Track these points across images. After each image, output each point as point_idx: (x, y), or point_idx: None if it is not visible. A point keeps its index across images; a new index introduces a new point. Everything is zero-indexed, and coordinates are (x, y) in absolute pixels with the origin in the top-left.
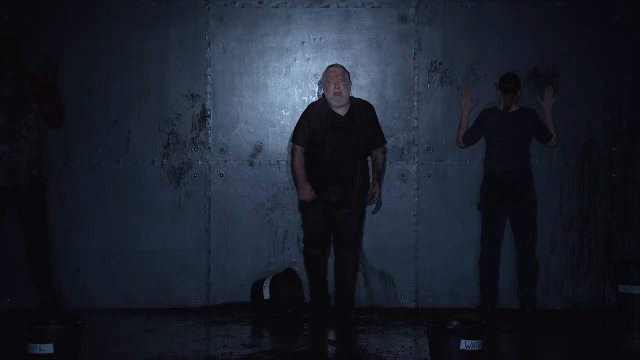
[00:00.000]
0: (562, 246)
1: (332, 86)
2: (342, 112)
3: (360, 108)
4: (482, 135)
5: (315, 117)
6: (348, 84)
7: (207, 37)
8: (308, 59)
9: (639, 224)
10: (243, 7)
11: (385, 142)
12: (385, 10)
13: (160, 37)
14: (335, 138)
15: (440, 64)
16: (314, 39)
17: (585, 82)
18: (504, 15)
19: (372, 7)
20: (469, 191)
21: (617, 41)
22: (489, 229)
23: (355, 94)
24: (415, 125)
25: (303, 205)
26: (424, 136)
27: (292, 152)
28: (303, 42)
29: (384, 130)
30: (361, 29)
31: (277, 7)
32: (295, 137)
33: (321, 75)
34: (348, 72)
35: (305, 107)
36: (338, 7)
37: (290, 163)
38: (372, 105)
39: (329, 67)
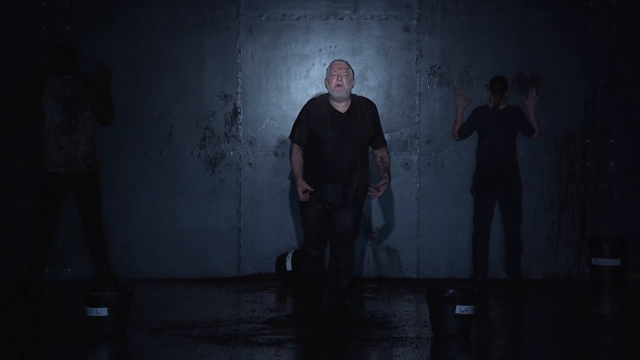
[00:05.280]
0: (543, 225)
1: (335, 79)
2: (342, 108)
3: (362, 105)
4: (474, 129)
5: (314, 114)
6: (351, 80)
7: (238, 45)
8: (325, 64)
9: (609, 206)
10: (269, 19)
11: (386, 143)
12: (391, 22)
13: (197, 45)
14: (335, 135)
15: (438, 68)
16: (330, 47)
17: (564, 84)
18: (494, 26)
19: (380, 19)
20: (464, 178)
21: (591, 48)
22: (481, 211)
23: (364, 94)
24: (417, 121)
25: (301, 205)
26: (425, 130)
27: (290, 150)
28: (320, 50)
29: (390, 125)
30: (370, 38)
31: (298, 19)
32: (292, 134)
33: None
34: (352, 70)
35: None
36: (350, 19)
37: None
38: (374, 104)
39: (333, 61)
